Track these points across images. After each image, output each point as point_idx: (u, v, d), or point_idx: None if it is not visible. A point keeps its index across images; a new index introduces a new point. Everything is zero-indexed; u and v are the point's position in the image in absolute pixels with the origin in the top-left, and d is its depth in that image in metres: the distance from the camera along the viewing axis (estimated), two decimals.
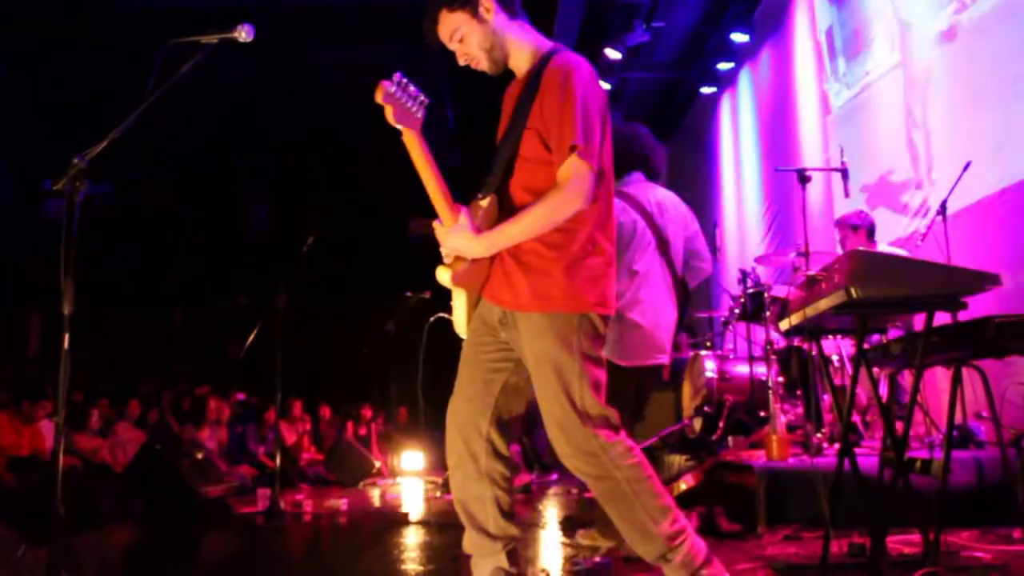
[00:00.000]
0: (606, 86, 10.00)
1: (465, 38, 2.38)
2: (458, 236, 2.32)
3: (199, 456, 6.79)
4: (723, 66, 9.26)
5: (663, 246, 3.37)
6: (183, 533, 5.05)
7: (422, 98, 2.32)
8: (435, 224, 2.36)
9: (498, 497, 2.36)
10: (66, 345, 2.48)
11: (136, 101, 2.50)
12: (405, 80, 2.29)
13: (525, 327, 2.30)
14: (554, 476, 8.04)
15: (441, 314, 2.58)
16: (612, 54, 8.88)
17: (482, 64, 2.42)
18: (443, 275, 2.40)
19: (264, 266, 9.89)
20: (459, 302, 2.44)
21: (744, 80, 9.27)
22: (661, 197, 3.45)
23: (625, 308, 3.24)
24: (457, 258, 2.36)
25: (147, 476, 6.01)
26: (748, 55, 8.99)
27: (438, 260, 2.43)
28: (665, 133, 11.87)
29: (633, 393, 3.33)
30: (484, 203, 2.38)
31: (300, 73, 9.33)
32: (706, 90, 9.99)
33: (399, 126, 2.29)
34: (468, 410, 2.38)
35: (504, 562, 2.34)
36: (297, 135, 10.87)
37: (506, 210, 2.35)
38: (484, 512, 2.36)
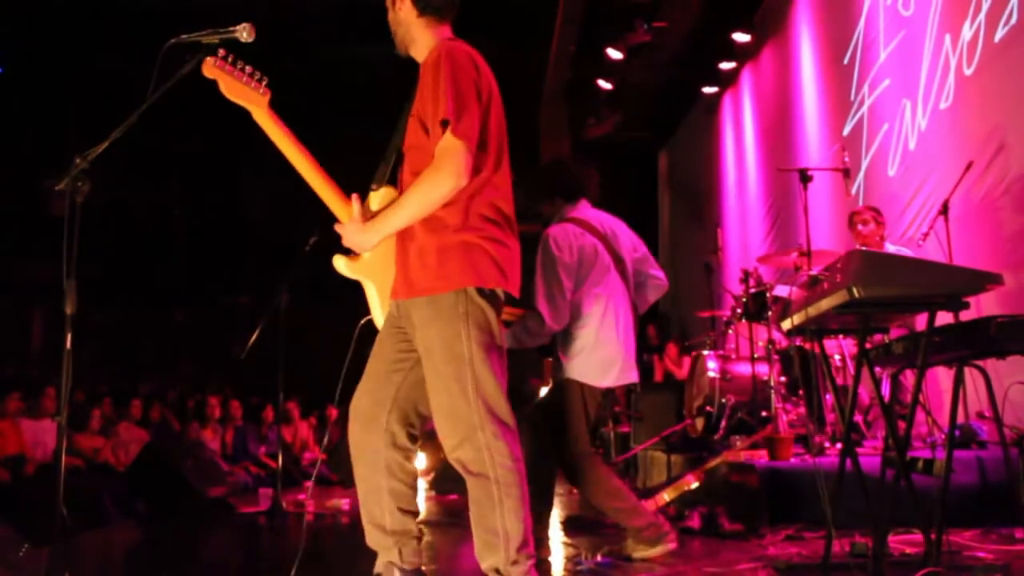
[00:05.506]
0: (607, 86, 10.00)
1: (391, 7, 2.50)
2: (349, 229, 2.34)
3: (204, 456, 6.78)
4: (725, 66, 9.25)
5: (621, 268, 3.36)
6: (185, 533, 5.05)
7: (259, 76, 2.38)
8: (336, 226, 2.37)
9: (394, 489, 2.35)
10: (68, 345, 2.48)
11: (137, 101, 2.49)
12: (232, 56, 2.34)
13: (415, 315, 2.31)
14: None
15: (369, 317, 2.57)
16: (613, 54, 8.86)
17: (395, 38, 2.52)
18: (339, 263, 2.45)
19: (265, 265, 9.88)
20: (371, 294, 2.46)
21: (746, 79, 9.26)
22: (611, 223, 3.46)
23: (597, 327, 3.22)
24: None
25: (149, 476, 6.00)
26: (750, 54, 8.98)
27: None
28: (667, 133, 11.87)
29: (594, 413, 3.28)
30: (380, 193, 2.41)
31: (302, 70, 9.34)
32: (708, 90, 9.98)
33: (240, 102, 2.35)
34: (368, 402, 2.41)
35: (396, 558, 2.33)
36: (298, 133, 10.87)
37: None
38: (380, 505, 2.36)
